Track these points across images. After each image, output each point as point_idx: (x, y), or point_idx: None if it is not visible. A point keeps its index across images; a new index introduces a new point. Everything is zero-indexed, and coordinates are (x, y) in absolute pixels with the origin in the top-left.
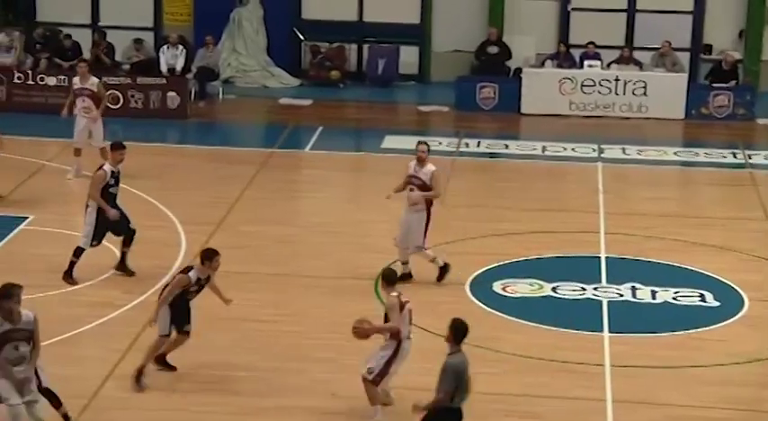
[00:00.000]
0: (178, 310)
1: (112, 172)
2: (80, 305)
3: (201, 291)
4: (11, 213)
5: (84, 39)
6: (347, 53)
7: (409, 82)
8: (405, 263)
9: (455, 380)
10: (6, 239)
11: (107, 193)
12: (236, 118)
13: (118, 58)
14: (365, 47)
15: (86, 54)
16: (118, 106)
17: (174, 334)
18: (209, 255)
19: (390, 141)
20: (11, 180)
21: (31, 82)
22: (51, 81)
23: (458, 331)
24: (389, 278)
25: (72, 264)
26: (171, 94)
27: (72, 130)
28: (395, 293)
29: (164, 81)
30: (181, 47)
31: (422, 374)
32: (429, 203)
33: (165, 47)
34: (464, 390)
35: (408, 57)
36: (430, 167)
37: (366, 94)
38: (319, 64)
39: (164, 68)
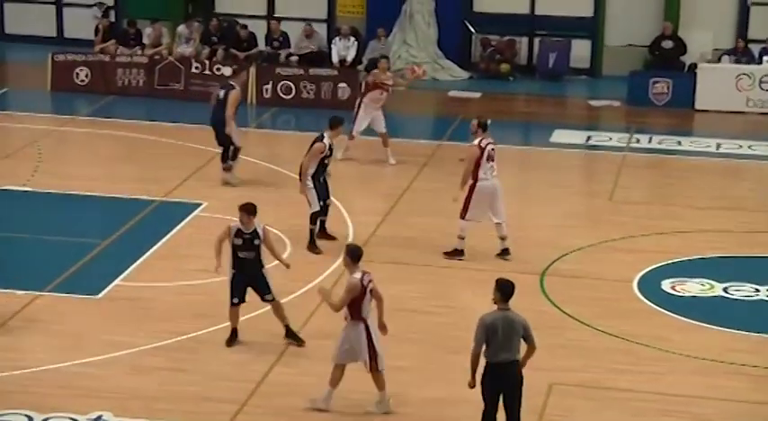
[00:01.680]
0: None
1: (330, 145)
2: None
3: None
4: (186, 199)
5: (260, 30)
6: (518, 46)
7: (580, 76)
8: (502, 238)
9: (484, 335)
10: (181, 225)
11: (321, 164)
12: (405, 109)
13: (290, 48)
14: (536, 40)
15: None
16: (290, 97)
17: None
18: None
19: (559, 136)
20: (187, 168)
21: (207, 72)
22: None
23: (503, 290)
24: (354, 254)
25: (311, 231)
26: (342, 85)
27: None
28: (358, 275)
29: (335, 72)
30: (352, 38)
31: (582, 371)
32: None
33: (336, 38)
34: (498, 347)
35: (580, 50)
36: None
37: (536, 87)
38: (489, 57)
39: (335, 60)
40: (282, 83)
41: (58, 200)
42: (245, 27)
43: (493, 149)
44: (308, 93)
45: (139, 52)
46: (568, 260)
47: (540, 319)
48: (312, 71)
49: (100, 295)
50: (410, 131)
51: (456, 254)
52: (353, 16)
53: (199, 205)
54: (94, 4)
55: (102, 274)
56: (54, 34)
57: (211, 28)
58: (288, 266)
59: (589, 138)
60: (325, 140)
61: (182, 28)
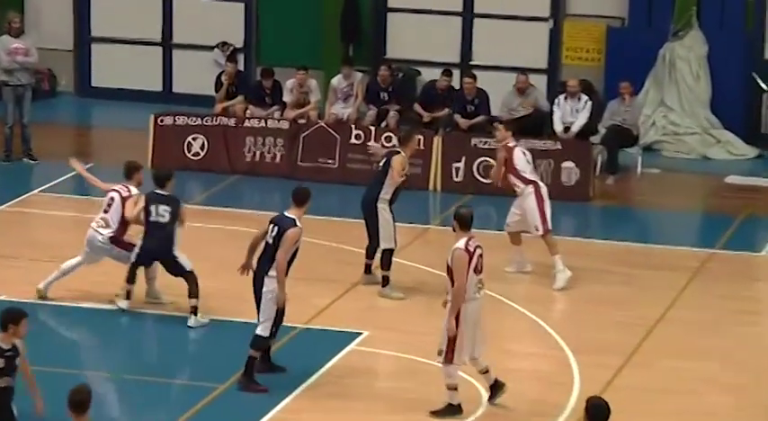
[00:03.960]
0: None
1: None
2: None
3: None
4: (337, 327)
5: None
6: None
7: None
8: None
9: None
10: (331, 363)
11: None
12: (661, 202)
13: (496, 109)
14: None
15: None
16: (491, 181)
17: None
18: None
19: None
20: (341, 281)
21: (373, 143)
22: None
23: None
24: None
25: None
26: (567, 164)
27: None
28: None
29: (558, 145)
30: (584, 97)
31: None
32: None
33: (561, 97)
34: None
35: None
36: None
37: None
38: None
39: (558, 127)
40: (481, 160)
41: (163, 324)
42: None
43: (481, 256)
44: None
45: (278, 114)
46: None
47: None
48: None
49: None
50: (667, 233)
51: (449, 411)
52: (586, 64)
53: (358, 335)
54: (216, 45)
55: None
56: (158, 87)
57: (380, 80)
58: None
59: None
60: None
61: (338, 79)
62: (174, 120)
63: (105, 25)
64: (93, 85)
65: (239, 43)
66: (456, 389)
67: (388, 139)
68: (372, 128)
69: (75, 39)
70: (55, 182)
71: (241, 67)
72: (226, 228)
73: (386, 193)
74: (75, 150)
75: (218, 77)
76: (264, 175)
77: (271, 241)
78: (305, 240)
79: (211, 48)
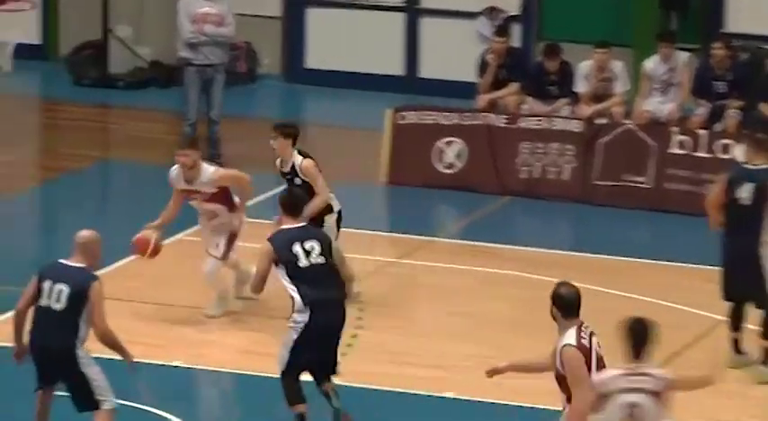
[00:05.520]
0: None
1: None
2: None
3: None
4: None
5: None
6: None
7: None
8: None
9: None
10: None
11: None
12: None
13: None
14: None
15: None
16: None
17: None
18: None
19: None
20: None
21: (703, 153)
22: (739, 152)
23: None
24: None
25: None
26: None
27: None
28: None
29: None
30: None
31: None
32: None
33: None
34: None
35: None
36: None
37: None
38: None
39: None
40: None
41: (396, 400)
42: None
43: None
44: None
45: (566, 110)
46: None
47: None
48: None
49: None
50: None
51: None
52: None
53: None
54: (482, 12)
55: None
56: (399, 70)
57: (714, 63)
58: None
59: None
60: None
61: (654, 62)
62: (420, 118)
63: None
64: (306, 66)
65: (513, 9)
66: None
67: (725, 148)
68: (703, 131)
69: (284, 1)
70: (254, 201)
71: (515, 42)
72: (490, 272)
73: None
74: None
75: (483, 57)
76: (546, 198)
77: None
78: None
79: (475, 15)
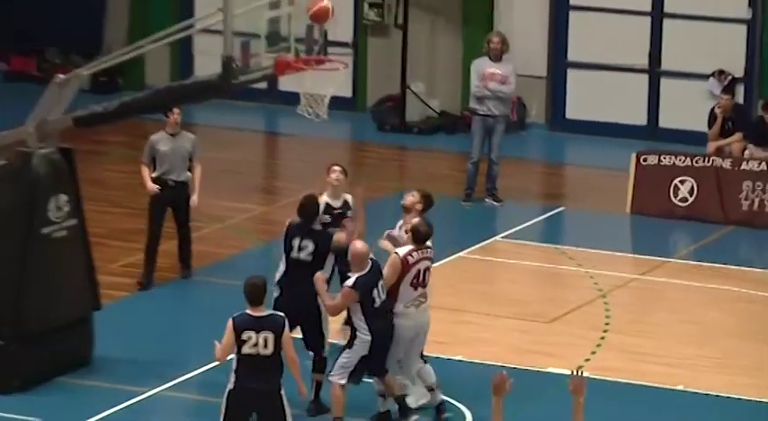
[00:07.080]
0: None
1: None
2: None
3: None
4: None
5: None
6: None
7: None
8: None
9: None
10: None
11: None
12: None
13: None
14: None
15: None
16: None
17: None
18: None
19: None
20: None
21: None
22: None
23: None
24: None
25: None
26: None
27: None
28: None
29: None
30: None
31: None
32: None
33: None
34: None
35: None
36: None
37: None
38: None
39: None
40: None
41: (635, 391)
42: None
43: (428, 269)
44: None
45: None
46: None
47: None
48: None
49: None
50: None
51: None
52: None
53: None
54: (712, 74)
55: None
56: (642, 121)
57: None
58: None
59: None
60: None
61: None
62: (660, 160)
63: (584, 49)
64: (566, 116)
65: (739, 72)
66: None
67: None
68: None
69: (549, 63)
70: (520, 227)
71: (740, 99)
72: (716, 288)
73: None
74: (543, 191)
75: (712, 111)
76: (763, 228)
77: None
78: None
79: (706, 76)
